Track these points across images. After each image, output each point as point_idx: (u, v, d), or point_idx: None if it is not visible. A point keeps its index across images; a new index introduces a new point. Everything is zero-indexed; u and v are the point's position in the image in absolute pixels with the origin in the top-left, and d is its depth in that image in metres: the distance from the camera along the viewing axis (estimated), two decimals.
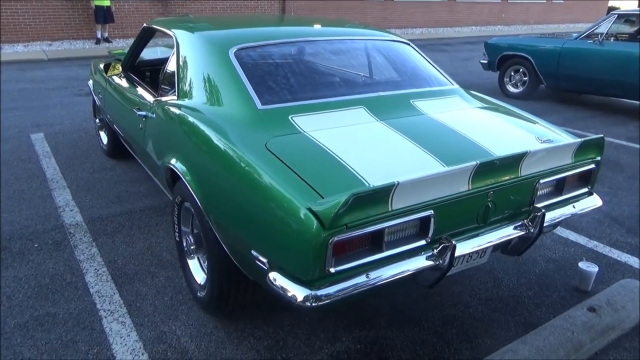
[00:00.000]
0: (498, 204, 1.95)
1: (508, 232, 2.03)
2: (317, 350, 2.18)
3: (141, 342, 2.20)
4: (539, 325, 2.28)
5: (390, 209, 1.63)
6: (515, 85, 7.60)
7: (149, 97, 2.89)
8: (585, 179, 2.27)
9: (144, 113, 2.84)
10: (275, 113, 2.13)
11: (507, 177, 1.92)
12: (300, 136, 1.99)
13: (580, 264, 2.68)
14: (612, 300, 2.37)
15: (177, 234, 2.53)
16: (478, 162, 1.74)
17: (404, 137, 2.06)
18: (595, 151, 2.20)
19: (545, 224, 2.08)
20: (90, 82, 4.49)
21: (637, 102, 6.99)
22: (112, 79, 3.69)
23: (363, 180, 1.72)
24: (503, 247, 2.18)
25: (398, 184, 1.56)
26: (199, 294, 2.36)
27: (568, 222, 3.43)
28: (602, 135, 2.15)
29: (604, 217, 3.57)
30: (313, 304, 1.59)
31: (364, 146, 1.98)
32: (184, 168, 2.21)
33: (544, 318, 2.41)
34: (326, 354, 2.16)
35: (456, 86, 2.74)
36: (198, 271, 2.42)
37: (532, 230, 2.04)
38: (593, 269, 2.64)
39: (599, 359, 2.18)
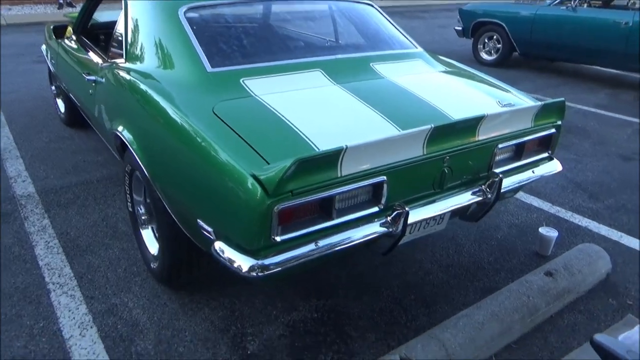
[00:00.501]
0: (455, 170, 1.90)
1: (466, 198, 1.99)
2: (273, 319, 2.15)
3: (90, 315, 2.13)
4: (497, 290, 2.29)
5: (339, 175, 1.56)
6: (489, 53, 7.54)
7: (99, 61, 2.73)
8: (546, 144, 2.23)
9: (93, 78, 2.69)
10: (225, 76, 2.01)
11: (464, 142, 1.87)
12: (250, 100, 1.89)
13: (540, 230, 2.68)
14: (569, 264, 2.38)
15: (129, 204, 2.43)
16: (432, 125, 1.68)
17: (359, 100, 1.98)
18: (556, 115, 2.16)
19: (503, 190, 2.04)
20: (44, 47, 4.26)
21: (609, 70, 7.03)
22: (64, 43, 3.49)
23: (312, 145, 1.64)
24: (461, 213, 2.15)
25: (347, 148, 1.49)
26: (152, 265, 2.29)
27: (532, 188, 3.44)
28: (562, 99, 2.10)
29: (568, 182, 3.59)
30: (259, 274, 1.53)
31: (317, 110, 1.89)
32: (130, 135, 2.10)
33: (503, 283, 2.42)
34: (282, 323, 2.13)
35: (420, 49, 2.65)
36: (152, 241, 2.34)
37: (489, 196, 2.00)
38: (553, 234, 2.65)
39: (555, 322, 2.20)
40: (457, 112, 1.99)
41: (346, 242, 1.65)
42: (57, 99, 4.43)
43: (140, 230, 2.39)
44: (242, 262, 1.53)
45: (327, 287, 2.36)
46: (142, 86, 2.08)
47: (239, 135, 1.65)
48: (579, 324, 2.20)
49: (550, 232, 2.65)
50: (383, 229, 1.74)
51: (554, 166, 2.31)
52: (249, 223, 1.49)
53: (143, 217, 2.32)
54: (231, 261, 1.55)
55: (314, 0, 2.73)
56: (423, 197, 1.88)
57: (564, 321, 2.21)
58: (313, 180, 1.51)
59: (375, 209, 1.72)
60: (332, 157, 1.50)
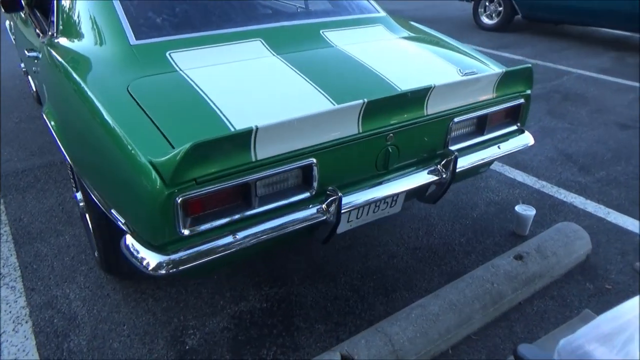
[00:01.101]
0: (402, 148, 1.71)
1: (418, 179, 1.80)
2: (219, 310, 2.02)
3: (28, 309, 2.03)
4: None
5: (254, 159, 1.38)
6: (490, 17, 7.15)
7: (40, 36, 2.55)
8: (514, 116, 2.02)
9: (34, 54, 2.51)
10: (150, 49, 1.82)
11: (410, 117, 1.67)
12: (172, 76, 1.71)
13: (517, 207, 2.48)
14: (542, 246, 2.19)
15: (74, 188, 2.30)
16: (365, 100, 1.48)
17: (298, 73, 1.78)
18: (523, 84, 1.94)
19: (464, 169, 1.86)
20: (7, 22, 4.09)
21: (616, 31, 6.62)
22: (21, 17, 3.31)
23: (229, 126, 1.47)
24: (419, 194, 1.97)
25: (257, 128, 1.31)
26: (96, 253, 2.16)
27: (518, 162, 3.22)
28: (529, 65, 1.88)
29: (558, 154, 3.36)
30: (171, 271, 1.38)
31: (245, 85, 1.70)
32: (51, 118, 1.94)
33: (472, 266, 2.25)
34: (227, 314, 2.00)
35: (382, 14, 2.41)
36: None
37: (444, 175, 1.81)
38: (530, 212, 2.45)
39: (522, 310, 2.03)
40: (407, 83, 1.79)
41: (269, 232, 1.48)
42: (28, 77, 4.28)
43: (86, 215, 2.26)
44: (150, 259, 1.38)
45: (283, 273, 2.22)
46: (63, 63, 1.90)
47: (149, 117, 1.48)
48: (549, 311, 2.03)
49: (527, 210, 2.46)
50: (318, 216, 1.58)
51: (525, 140, 2.09)
52: (150, 215, 1.33)
53: (80, 204, 2.18)
54: (138, 258, 1.40)
55: None
56: (367, 179, 1.70)
57: (532, 308, 2.04)
58: (222, 165, 1.34)
59: (306, 194, 1.55)
60: (241, 140, 1.33)
